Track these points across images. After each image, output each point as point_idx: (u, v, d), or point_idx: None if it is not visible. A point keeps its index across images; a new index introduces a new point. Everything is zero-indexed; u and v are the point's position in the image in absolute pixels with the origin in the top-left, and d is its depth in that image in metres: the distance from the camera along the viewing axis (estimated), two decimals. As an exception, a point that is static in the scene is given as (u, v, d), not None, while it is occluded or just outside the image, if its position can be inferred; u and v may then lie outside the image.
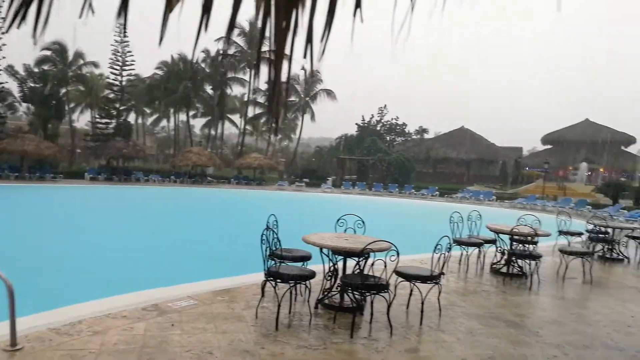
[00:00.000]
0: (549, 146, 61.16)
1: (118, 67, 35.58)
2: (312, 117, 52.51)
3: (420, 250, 8.71)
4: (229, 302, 5.62)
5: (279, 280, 4.98)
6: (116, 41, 34.84)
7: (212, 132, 52.59)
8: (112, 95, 36.92)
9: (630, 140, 57.45)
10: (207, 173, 40.06)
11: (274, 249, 5.08)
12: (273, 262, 5.26)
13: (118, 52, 35.13)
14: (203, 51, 42.32)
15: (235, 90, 52.82)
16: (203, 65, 43.90)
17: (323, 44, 1.42)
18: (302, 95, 51.66)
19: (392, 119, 55.94)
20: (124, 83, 36.40)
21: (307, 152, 74.78)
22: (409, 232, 14.96)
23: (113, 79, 36.14)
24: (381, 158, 42.91)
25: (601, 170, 53.31)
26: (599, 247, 10.45)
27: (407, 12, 1.51)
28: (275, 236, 5.07)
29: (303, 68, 51.00)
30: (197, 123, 57.35)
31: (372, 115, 55.96)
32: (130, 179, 33.22)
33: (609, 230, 10.50)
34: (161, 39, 1.41)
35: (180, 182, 34.83)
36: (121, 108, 37.15)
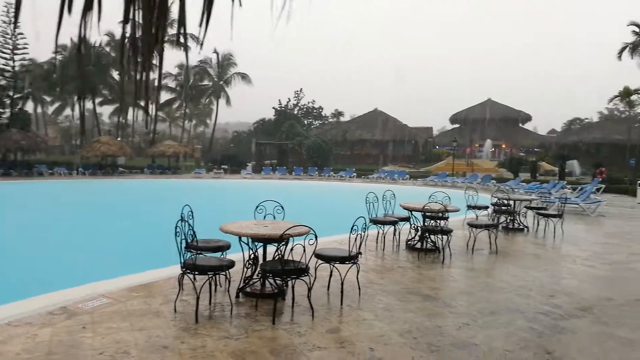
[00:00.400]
0: (456, 125, 64.77)
1: (8, 51, 32.52)
2: (228, 101, 51.53)
3: (340, 231, 8.90)
4: (145, 297, 5.40)
5: (196, 273, 4.84)
6: (4, 22, 31.78)
7: (122, 119, 49.87)
8: (3, 82, 33.72)
9: (527, 117, 62.29)
10: (119, 163, 38.07)
11: (189, 240, 4.93)
12: (190, 254, 5.11)
13: (7, 34, 32.08)
14: (107, 34, 39.73)
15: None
16: (108, 49, 41.31)
17: (203, 30, 1.36)
18: (216, 79, 50.36)
19: (308, 102, 56.30)
20: (16, 68, 33.37)
21: (224, 138, 73.34)
22: (328, 214, 15.19)
23: (3, 64, 33.01)
24: (300, 142, 43.11)
25: (503, 146, 57.34)
26: (502, 218, 11.25)
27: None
28: (190, 227, 4.91)
29: (215, 51, 49.86)
30: (105, 111, 54.04)
31: (289, 99, 55.97)
32: (32, 173, 30.77)
33: (511, 202, 11.33)
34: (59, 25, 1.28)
35: (90, 174, 32.78)
36: (16, 96, 34.09)
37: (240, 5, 1.39)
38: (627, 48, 38.71)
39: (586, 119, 68.46)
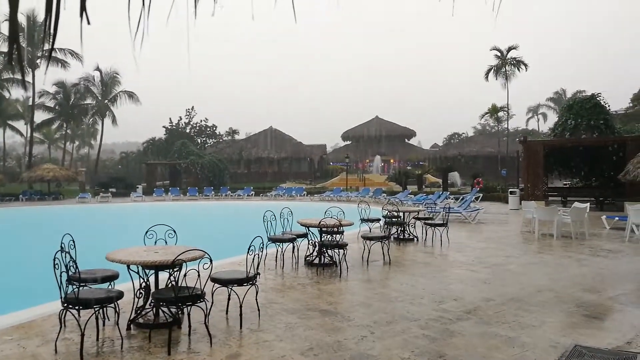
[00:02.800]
0: (348, 142, 67.23)
1: None
2: (114, 121, 48.72)
3: (237, 252, 8.75)
4: (19, 340, 4.83)
5: (80, 307, 4.45)
6: None
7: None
8: None
9: (412, 133, 66.53)
10: (-14, 191, 34.12)
11: (71, 272, 4.52)
12: (73, 287, 4.68)
13: None
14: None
15: (16, 93, 45.90)
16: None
17: (49, 43, 1.27)
18: (100, 98, 47.42)
19: (200, 120, 54.98)
20: None
21: (111, 159, 69.12)
22: (225, 235, 14.88)
23: None
24: (194, 161, 41.83)
25: (391, 161, 60.51)
26: (393, 230, 11.79)
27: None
28: (71, 258, 4.51)
29: (98, 68, 47.05)
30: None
31: (180, 117, 54.23)
32: None
33: (401, 214, 11.93)
34: None
35: (-51, 204, 28.95)
36: None
37: (89, 23, 1.30)
38: (492, 70, 43.14)
39: (463, 133, 74.83)
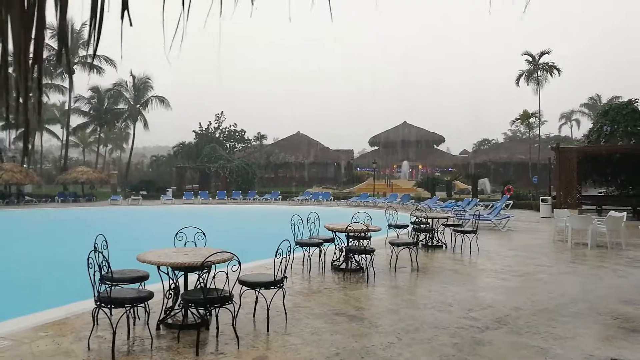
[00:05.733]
0: (375, 147, 66.97)
1: None
2: (145, 125, 49.70)
3: (265, 255, 8.80)
4: (54, 337, 4.96)
5: (112, 306, 4.54)
6: None
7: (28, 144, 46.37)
8: None
9: (441, 139, 65.82)
10: (25, 192, 35.27)
11: (104, 272, 4.63)
12: (105, 286, 4.79)
13: None
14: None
15: (54, 98, 47.41)
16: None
17: (93, 47, 1.30)
18: (132, 102, 48.55)
19: (230, 125, 55.67)
20: None
21: (142, 163, 70.63)
22: (253, 239, 14.98)
23: None
24: (223, 165, 42.36)
25: (420, 167, 60.00)
26: (422, 236, 11.67)
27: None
28: (104, 258, 4.62)
29: (131, 74, 48.20)
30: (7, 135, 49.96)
31: (210, 122, 55.04)
32: None
33: (429, 220, 11.80)
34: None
35: (-11, 204, 30.05)
36: None
37: (131, 25, 1.33)
38: (523, 75, 42.37)
39: (493, 139, 73.64)
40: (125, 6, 1.27)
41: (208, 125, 55.00)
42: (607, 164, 23.66)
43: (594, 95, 67.58)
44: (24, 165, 37.61)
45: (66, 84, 42.03)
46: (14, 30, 1.25)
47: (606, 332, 5.39)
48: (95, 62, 42.10)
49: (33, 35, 1.26)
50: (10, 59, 1.36)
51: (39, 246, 14.80)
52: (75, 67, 41.44)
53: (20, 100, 1.31)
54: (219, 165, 42.36)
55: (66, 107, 45.15)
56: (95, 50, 1.33)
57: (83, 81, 41.78)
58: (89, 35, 1.32)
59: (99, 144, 58.04)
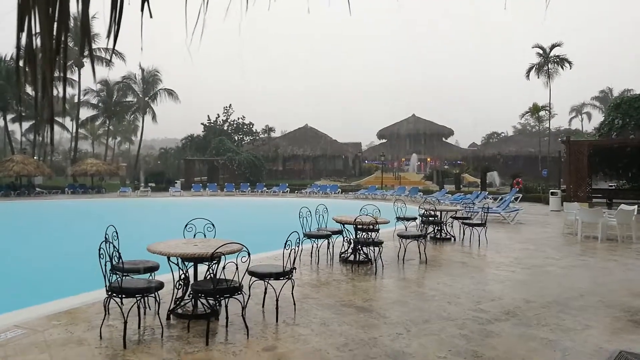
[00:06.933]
0: (383, 140, 66.71)
1: None
2: (154, 117, 49.93)
3: (274, 247, 8.83)
4: (67, 325, 5.03)
5: (123, 296, 4.60)
6: None
7: (39, 137, 46.76)
8: None
9: (450, 132, 65.42)
10: (36, 183, 35.60)
11: (115, 262, 4.67)
12: (116, 276, 4.84)
13: None
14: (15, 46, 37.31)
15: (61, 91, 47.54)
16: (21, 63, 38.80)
17: (112, 39, 1.31)
18: (141, 95, 48.72)
19: (238, 118, 55.67)
20: None
21: (151, 155, 70.97)
22: (261, 230, 15.03)
23: None
24: (231, 158, 42.44)
25: (428, 160, 59.75)
26: (430, 229, 11.65)
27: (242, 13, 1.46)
28: (115, 248, 4.67)
29: (140, 66, 48.33)
30: (18, 127, 50.49)
31: (218, 115, 55.05)
32: None
33: (437, 213, 11.77)
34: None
35: (2, 195, 30.36)
36: None
37: (151, 16, 1.34)
38: (534, 68, 41.96)
39: (502, 132, 73.10)
40: None
41: (216, 118, 54.99)
42: (619, 158, 23.41)
43: (605, 88, 66.90)
44: (35, 157, 37.98)
45: (75, 76, 42.27)
46: (42, 23, 1.26)
47: (616, 325, 5.36)
48: (104, 55, 42.25)
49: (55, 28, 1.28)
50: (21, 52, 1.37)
51: (50, 237, 14.97)
52: (84, 60, 41.62)
53: (39, 93, 1.33)
54: (227, 157, 42.43)
55: (76, 100, 45.37)
56: (115, 43, 1.34)
57: (92, 74, 41.91)
58: (109, 28, 1.33)
59: (107, 137, 58.31)
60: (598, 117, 53.85)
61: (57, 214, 23.96)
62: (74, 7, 1.35)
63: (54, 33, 1.31)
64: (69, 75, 41.90)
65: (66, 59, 1.37)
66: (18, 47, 1.49)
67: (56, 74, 1.43)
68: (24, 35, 1.43)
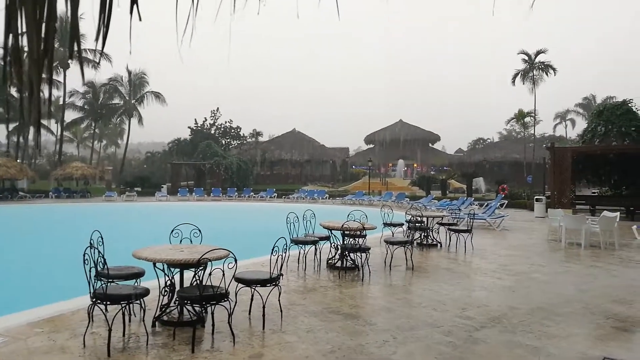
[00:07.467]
0: (371, 145, 67.00)
1: None
2: (140, 120, 49.56)
3: (260, 253, 8.80)
4: (49, 333, 4.95)
5: (108, 302, 4.54)
6: None
7: (22, 140, 46.07)
8: None
9: (436, 138, 65.93)
10: (19, 187, 35.08)
11: (99, 268, 4.62)
12: (101, 282, 4.78)
13: None
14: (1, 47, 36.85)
15: (47, 93, 46.97)
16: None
17: (100, 42, 1.30)
18: (128, 98, 48.33)
19: (225, 122, 55.44)
20: None
21: (137, 159, 70.37)
22: (248, 236, 14.97)
23: None
24: (218, 162, 42.24)
25: (415, 165, 60.08)
26: (417, 235, 11.70)
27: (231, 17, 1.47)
28: (100, 254, 4.61)
29: (127, 69, 47.99)
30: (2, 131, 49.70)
31: (205, 118, 54.80)
32: None
33: (424, 219, 11.83)
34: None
35: (-18, 199, 29.87)
36: None
37: (140, 19, 1.33)
38: (519, 74, 42.50)
39: (488, 139, 73.82)
40: (134, 1, 1.27)
41: (203, 121, 54.72)
42: (601, 164, 23.79)
43: (588, 95, 67.97)
44: (18, 160, 37.43)
45: (60, 78, 41.79)
46: (28, 24, 1.24)
47: (599, 332, 5.43)
48: (91, 57, 41.88)
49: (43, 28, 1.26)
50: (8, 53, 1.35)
51: (33, 242, 14.74)
52: (70, 61, 41.19)
53: (26, 94, 1.31)
54: (214, 162, 42.22)
55: (61, 102, 44.85)
56: (103, 46, 1.32)
57: (78, 75, 41.57)
58: (98, 30, 1.32)
59: (93, 140, 57.76)
60: (582, 124, 54.66)
61: (41, 219, 23.62)
62: (60, 8, 1.34)
63: (42, 34, 1.29)
64: (54, 76, 41.43)
65: (52, 60, 1.36)
66: (5, 48, 1.48)
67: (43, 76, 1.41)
68: (10, 36, 1.41)
